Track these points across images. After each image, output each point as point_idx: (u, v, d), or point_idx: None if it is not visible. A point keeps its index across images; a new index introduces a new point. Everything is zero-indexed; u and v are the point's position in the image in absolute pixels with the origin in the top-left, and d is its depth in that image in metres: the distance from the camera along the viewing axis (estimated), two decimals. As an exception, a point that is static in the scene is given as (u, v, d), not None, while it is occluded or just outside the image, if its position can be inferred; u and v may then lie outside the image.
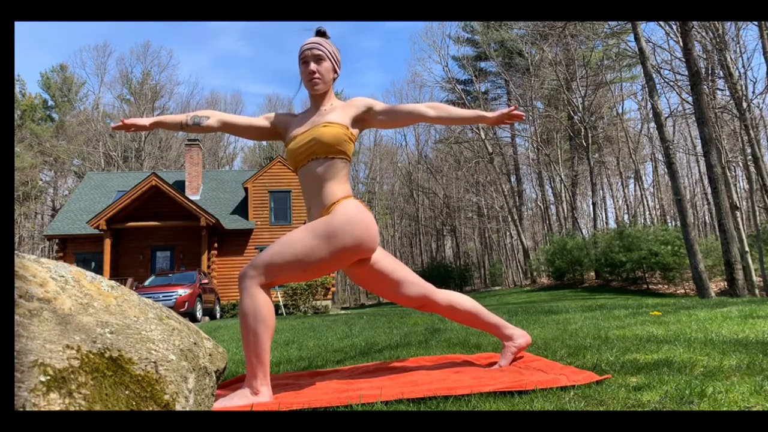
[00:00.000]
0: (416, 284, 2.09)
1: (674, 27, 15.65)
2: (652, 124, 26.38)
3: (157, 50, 62.55)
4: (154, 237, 20.14)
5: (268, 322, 1.84)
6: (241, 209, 21.93)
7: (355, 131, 2.10)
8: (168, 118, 2.11)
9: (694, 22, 13.49)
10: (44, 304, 1.10)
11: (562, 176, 28.17)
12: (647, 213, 31.18)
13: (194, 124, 2.10)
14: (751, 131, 14.49)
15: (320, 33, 2.12)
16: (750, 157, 15.28)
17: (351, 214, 1.94)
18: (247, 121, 2.17)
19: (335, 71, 2.11)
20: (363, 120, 2.13)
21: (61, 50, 65.19)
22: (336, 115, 2.04)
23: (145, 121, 2.06)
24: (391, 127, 2.18)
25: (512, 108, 2.11)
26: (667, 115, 15.50)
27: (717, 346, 2.21)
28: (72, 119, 40.79)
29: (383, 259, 2.07)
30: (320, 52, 2.05)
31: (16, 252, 1.19)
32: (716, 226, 13.05)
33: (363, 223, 1.95)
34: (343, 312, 16.26)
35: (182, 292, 13.89)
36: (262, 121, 2.18)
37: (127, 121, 2.04)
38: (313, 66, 2.05)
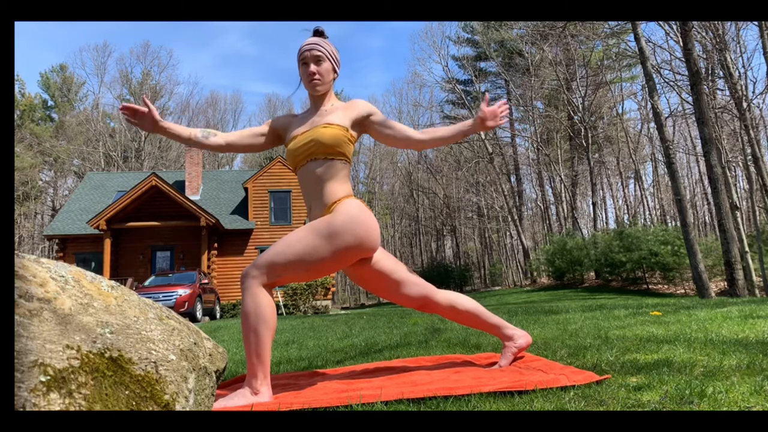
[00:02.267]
0: (417, 284, 2.09)
1: (674, 27, 15.66)
2: (652, 124, 26.40)
3: (157, 50, 62.69)
4: (154, 237, 20.14)
5: (270, 322, 1.84)
6: (241, 209, 21.93)
7: (355, 133, 2.10)
8: (176, 128, 2.07)
9: (694, 22, 13.48)
10: (44, 304, 1.10)
11: (562, 176, 28.17)
12: (647, 213, 31.19)
13: (203, 137, 2.08)
14: (751, 131, 14.49)
15: (318, 33, 2.11)
16: (750, 157, 15.28)
17: (352, 213, 1.93)
18: (249, 132, 2.15)
19: (335, 71, 2.11)
20: (362, 124, 2.12)
21: (60, 50, 65.27)
22: (336, 116, 2.04)
23: (154, 114, 2.01)
24: (383, 140, 2.15)
25: (491, 103, 2.10)
26: (667, 115, 15.49)
27: (717, 346, 2.21)
28: (72, 119, 40.80)
29: (384, 259, 2.07)
30: (319, 53, 2.04)
31: (16, 252, 1.19)
32: (716, 226, 13.05)
33: (365, 222, 1.94)
34: (343, 312, 16.26)
35: (182, 292, 13.89)
36: (263, 128, 2.17)
37: (134, 106, 2.00)
38: (312, 67, 2.04)
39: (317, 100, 2.12)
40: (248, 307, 1.83)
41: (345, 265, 2.00)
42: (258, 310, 1.83)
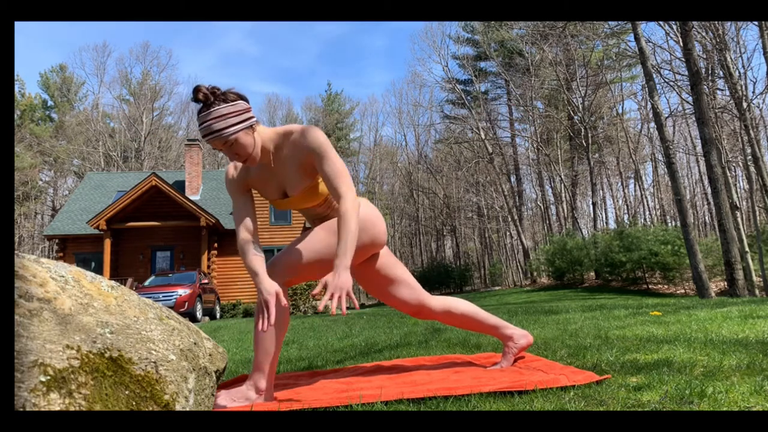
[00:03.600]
0: (414, 289, 2.11)
1: (674, 27, 15.65)
2: (652, 124, 26.40)
3: (157, 50, 62.79)
4: (154, 237, 20.13)
5: (282, 322, 1.85)
6: (241, 209, 21.90)
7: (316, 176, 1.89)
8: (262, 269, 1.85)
9: (694, 22, 13.48)
10: (44, 304, 1.10)
11: (562, 176, 28.16)
12: (647, 213, 31.19)
13: (257, 256, 1.87)
14: (751, 131, 14.48)
15: (198, 99, 1.73)
16: (750, 157, 15.28)
17: (365, 213, 1.97)
18: (246, 212, 1.92)
19: (249, 127, 1.77)
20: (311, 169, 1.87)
21: (60, 50, 65.29)
22: (292, 177, 1.87)
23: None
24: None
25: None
26: (667, 115, 15.48)
27: (717, 346, 2.21)
28: (71, 119, 40.80)
29: (385, 257, 2.10)
30: (221, 140, 1.72)
31: (16, 252, 1.19)
32: (716, 226, 13.05)
33: (377, 222, 2.00)
34: (343, 312, 16.21)
35: (182, 292, 13.89)
36: (242, 198, 1.94)
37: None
38: (229, 153, 1.77)
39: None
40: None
41: (357, 263, 2.03)
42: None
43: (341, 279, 1.68)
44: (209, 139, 1.73)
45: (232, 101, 1.75)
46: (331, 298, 1.67)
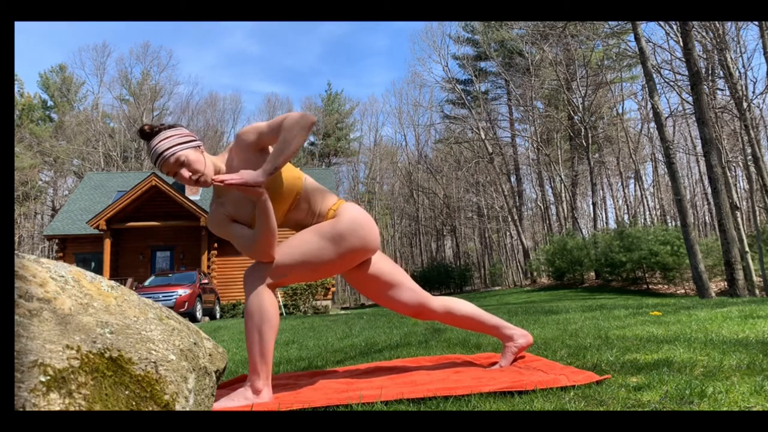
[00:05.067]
0: (413, 290, 2.09)
1: (674, 27, 15.65)
2: (652, 124, 26.40)
3: (157, 50, 62.70)
4: (154, 237, 20.13)
5: (273, 322, 1.85)
6: (241, 209, 21.90)
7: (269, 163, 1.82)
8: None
9: (694, 22, 13.48)
10: (44, 304, 1.10)
11: (562, 176, 28.16)
12: (647, 213, 31.19)
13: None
14: (751, 131, 14.48)
15: (146, 134, 1.79)
16: (750, 157, 15.28)
17: (355, 216, 1.96)
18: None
19: (196, 147, 1.82)
20: (262, 147, 1.87)
21: (60, 50, 65.33)
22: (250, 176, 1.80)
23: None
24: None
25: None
26: (667, 115, 15.48)
27: (717, 346, 2.21)
28: (71, 119, 40.80)
29: (381, 261, 2.08)
30: (172, 159, 1.75)
31: (16, 252, 1.19)
32: (716, 226, 13.05)
33: (367, 225, 1.97)
34: (343, 312, 16.26)
35: (182, 292, 13.89)
36: (238, 224, 1.96)
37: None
38: (184, 173, 1.78)
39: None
40: (252, 307, 1.84)
41: (348, 267, 2.01)
42: (262, 310, 1.83)
43: (253, 174, 1.72)
44: (160, 162, 1.77)
45: (176, 128, 1.83)
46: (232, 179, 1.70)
